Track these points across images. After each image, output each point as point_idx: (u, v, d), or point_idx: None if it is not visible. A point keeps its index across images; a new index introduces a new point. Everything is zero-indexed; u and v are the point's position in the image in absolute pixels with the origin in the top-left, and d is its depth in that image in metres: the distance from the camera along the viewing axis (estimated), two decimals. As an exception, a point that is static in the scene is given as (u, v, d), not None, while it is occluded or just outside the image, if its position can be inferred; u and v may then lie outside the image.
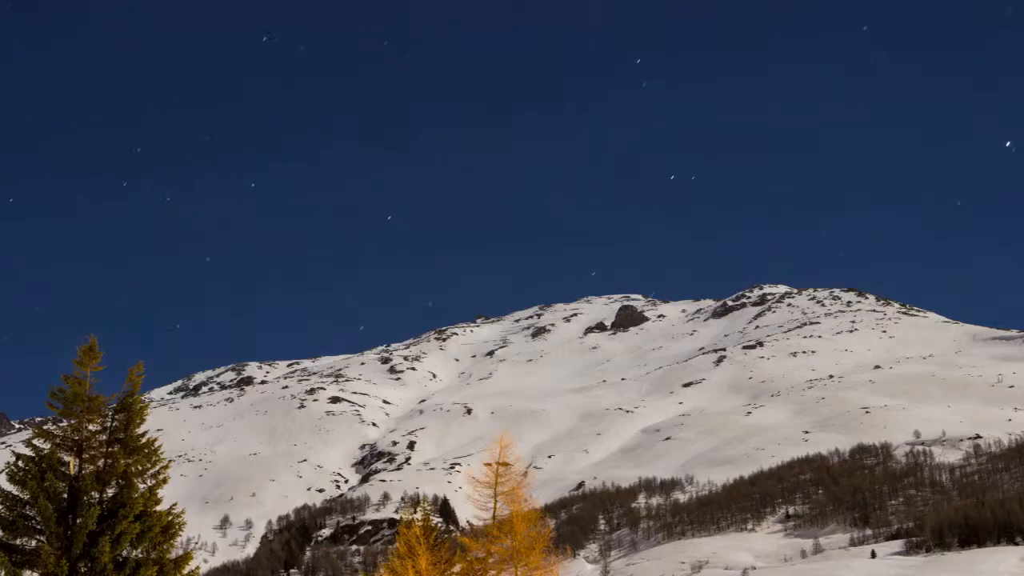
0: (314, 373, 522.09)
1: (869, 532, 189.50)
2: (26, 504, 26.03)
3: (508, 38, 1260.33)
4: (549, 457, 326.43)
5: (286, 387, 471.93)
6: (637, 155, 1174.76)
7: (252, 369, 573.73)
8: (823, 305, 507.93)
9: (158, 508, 26.53)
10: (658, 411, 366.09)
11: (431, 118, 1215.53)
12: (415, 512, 39.70)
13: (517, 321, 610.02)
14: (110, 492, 26.47)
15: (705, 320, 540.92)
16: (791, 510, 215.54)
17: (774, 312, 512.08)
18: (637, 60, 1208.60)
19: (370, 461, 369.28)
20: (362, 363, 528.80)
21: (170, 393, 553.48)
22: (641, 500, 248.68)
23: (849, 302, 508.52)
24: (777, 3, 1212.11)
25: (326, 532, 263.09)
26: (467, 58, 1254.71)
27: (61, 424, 27.21)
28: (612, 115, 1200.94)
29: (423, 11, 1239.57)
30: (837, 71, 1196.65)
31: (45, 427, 27.47)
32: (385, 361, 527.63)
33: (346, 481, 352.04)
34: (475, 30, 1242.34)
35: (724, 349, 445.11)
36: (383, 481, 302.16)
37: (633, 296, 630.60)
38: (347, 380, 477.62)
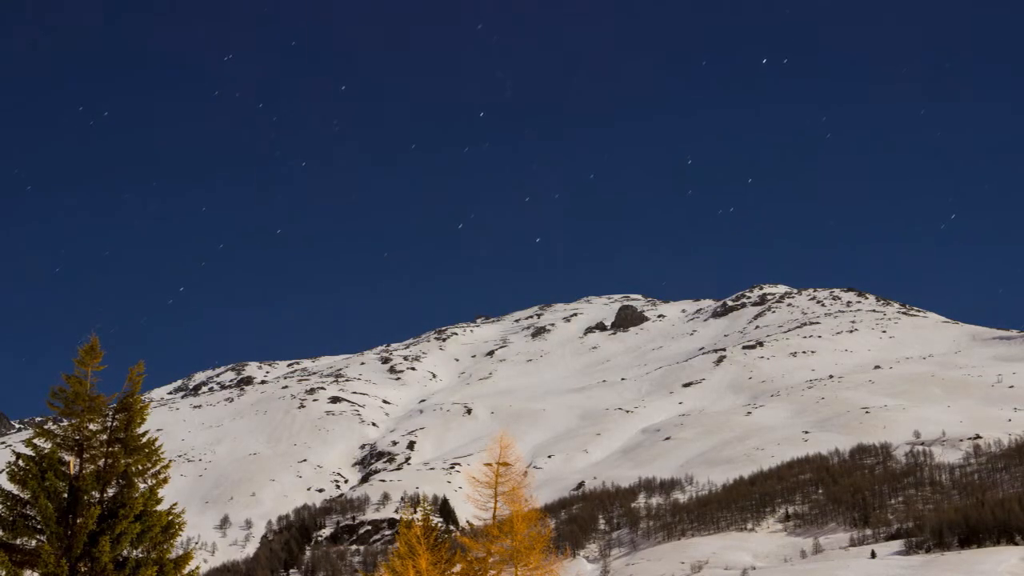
0: (314, 373, 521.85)
1: (869, 532, 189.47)
2: (26, 504, 26.01)
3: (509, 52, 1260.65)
4: (549, 457, 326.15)
5: (286, 387, 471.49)
6: (639, 156, 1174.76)
7: (252, 369, 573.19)
8: (823, 305, 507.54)
9: (158, 508, 26.52)
10: (658, 411, 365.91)
11: (431, 117, 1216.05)
12: (415, 512, 39.66)
13: (517, 321, 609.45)
14: (110, 492, 26.46)
15: (705, 320, 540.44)
16: (791, 510, 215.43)
17: (774, 312, 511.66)
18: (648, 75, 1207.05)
19: (370, 461, 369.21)
20: (362, 363, 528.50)
21: (170, 393, 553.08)
22: (641, 500, 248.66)
23: (849, 302, 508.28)
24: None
25: (326, 532, 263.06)
26: (465, 58, 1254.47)
27: (62, 424, 27.19)
28: (614, 120, 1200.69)
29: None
30: (838, 70, 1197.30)
31: (46, 426, 27.44)
32: (385, 361, 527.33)
33: (346, 481, 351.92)
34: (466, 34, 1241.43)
35: (724, 349, 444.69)
36: (383, 481, 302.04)
37: (633, 296, 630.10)
38: (347, 380, 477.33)
